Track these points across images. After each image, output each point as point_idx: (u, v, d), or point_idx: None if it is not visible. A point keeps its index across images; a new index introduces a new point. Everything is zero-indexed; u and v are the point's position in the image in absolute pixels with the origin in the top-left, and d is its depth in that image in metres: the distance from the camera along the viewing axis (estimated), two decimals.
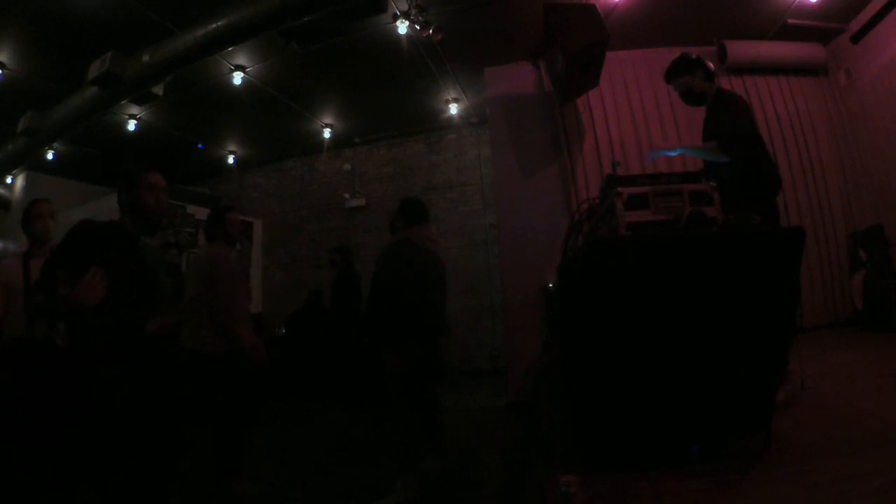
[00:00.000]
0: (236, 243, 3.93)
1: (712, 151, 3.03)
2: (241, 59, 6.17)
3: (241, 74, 6.36)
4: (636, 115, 6.05)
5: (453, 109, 8.02)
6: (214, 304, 3.33)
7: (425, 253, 3.58)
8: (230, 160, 9.55)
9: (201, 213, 8.03)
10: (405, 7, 5.27)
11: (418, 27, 5.42)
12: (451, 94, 7.63)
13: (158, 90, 5.79)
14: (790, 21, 5.81)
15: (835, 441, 2.41)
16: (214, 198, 9.57)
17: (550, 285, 5.15)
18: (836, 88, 6.29)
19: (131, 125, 7.27)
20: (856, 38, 5.69)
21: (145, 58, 5.27)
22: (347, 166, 9.58)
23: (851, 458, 2.19)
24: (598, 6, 4.84)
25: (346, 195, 9.45)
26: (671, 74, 3.41)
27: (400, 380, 3.36)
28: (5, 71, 5.86)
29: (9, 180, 8.52)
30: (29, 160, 7.65)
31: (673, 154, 4.12)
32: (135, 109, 6.95)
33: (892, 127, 5.50)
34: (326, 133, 8.65)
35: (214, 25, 4.90)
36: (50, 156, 7.72)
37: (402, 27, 5.44)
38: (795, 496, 1.95)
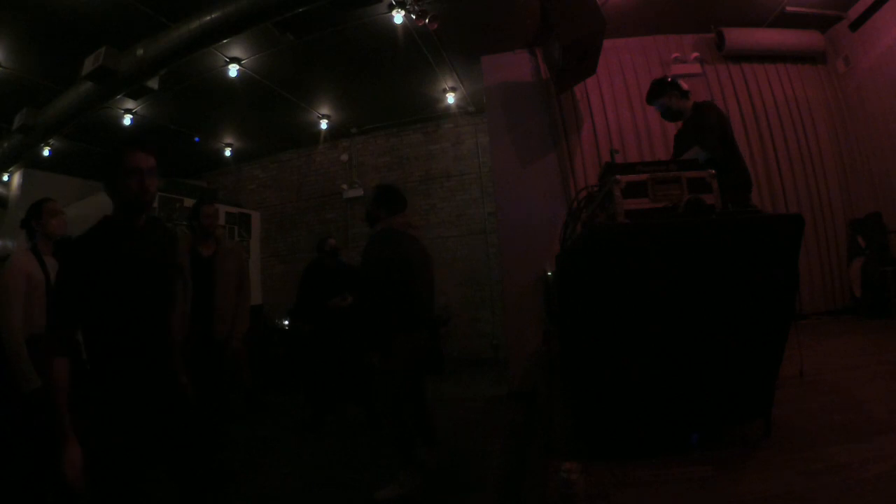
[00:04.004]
0: (211, 235, 3.91)
1: (697, 154, 3.23)
2: (236, 52, 6.12)
3: (237, 67, 6.31)
4: (634, 103, 6.02)
5: (450, 98, 7.98)
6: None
7: (411, 241, 3.53)
8: (227, 153, 9.50)
9: None
10: None
11: (414, 16, 5.38)
12: (448, 83, 7.59)
13: (153, 84, 5.75)
14: (788, 8, 5.78)
15: (833, 428, 2.43)
16: (212, 191, 9.56)
17: (549, 273, 5.15)
18: (834, 76, 6.27)
19: (127, 120, 7.21)
20: (854, 26, 5.68)
21: (139, 52, 5.23)
22: (345, 157, 9.55)
23: (850, 445, 2.20)
24: None
25: (344, 186, 9.42)
26: (650, 97, 3.78)
27: (391, 373, 3.34)
28: (0, 68, 5.82)
29: (5, 178, 8.48)
30: (25, 157, 7.62)
31: None
32: (130, 104, 6.89)
33: (890, 114, 5.49)
34: (323, 124, 8.62)
35: (208, 18, 4.86)
36: (46, 152, 7.67)
37: (398, 16, 5.40)
38: (795, 483, 1.96)
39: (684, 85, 3.68)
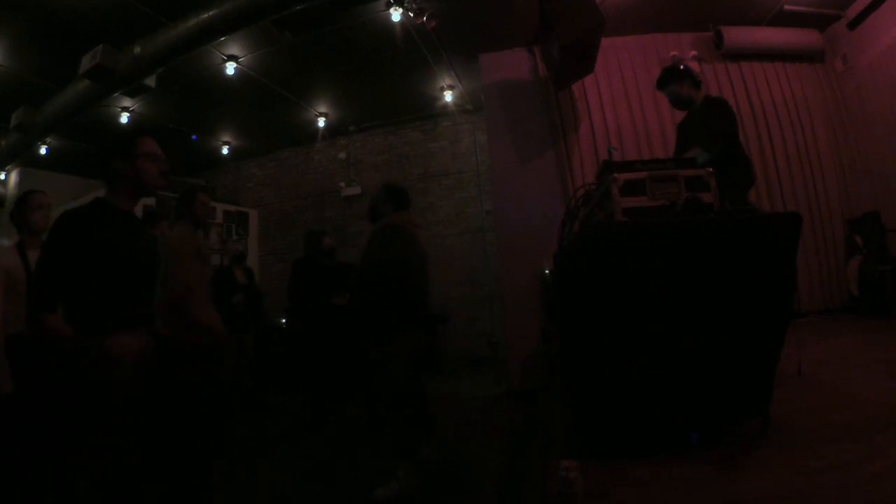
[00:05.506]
0: (201, 226, 3.79)
1: (698, 154, 3.22)
2: (233, 49, 6.11)
3: (234, 65, 6.31)
4: (632, 101, 6.03)
5: (448, 97, 7.97)
6: (169, 284, 3.24)
7: (410, 238, 3.53)
8: (225, 151, 9.49)
9: None
10: None
11: (412, 14, 5.38)
12: (446, 82, 7.59)
13: (151, 82, 5.74)
14: (787, 7, 5.79)
15: (832, 427, 2.43)
16: (210, 189, 9.54)
17: (548, 272, 5.15)
18: (832, 75, 6.28)
19: (124, 118, 7.20)
20: (852, 25, 5.69)
21: (137, 50, 5.22)
22: (343, 155, 9.55)
23: (849, 443, 2.20)
24: None
25: (342, 184, 9.42)
26: (662, 83, 3.71)
27: (394, 369, 3.34)
28: None
29: (2, 176, 8.47)
30: (22, 156, 7.62)
31: None
32: (127, 102, 6.88)
33: (888, 114, 5.50)
34: (321, 122, 8.62)
35: (206, 15, 4.85)
36: (43, 151, 7.68)
37: (396, 14, 5.40)
38: (794, 482, 1.96)
39: (697, 74, 3.65)
